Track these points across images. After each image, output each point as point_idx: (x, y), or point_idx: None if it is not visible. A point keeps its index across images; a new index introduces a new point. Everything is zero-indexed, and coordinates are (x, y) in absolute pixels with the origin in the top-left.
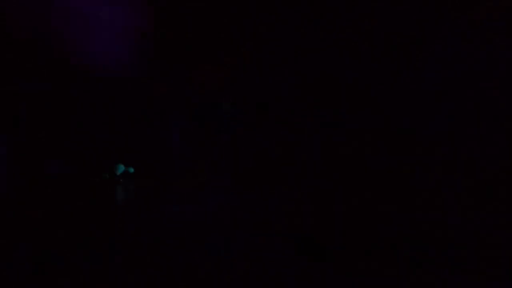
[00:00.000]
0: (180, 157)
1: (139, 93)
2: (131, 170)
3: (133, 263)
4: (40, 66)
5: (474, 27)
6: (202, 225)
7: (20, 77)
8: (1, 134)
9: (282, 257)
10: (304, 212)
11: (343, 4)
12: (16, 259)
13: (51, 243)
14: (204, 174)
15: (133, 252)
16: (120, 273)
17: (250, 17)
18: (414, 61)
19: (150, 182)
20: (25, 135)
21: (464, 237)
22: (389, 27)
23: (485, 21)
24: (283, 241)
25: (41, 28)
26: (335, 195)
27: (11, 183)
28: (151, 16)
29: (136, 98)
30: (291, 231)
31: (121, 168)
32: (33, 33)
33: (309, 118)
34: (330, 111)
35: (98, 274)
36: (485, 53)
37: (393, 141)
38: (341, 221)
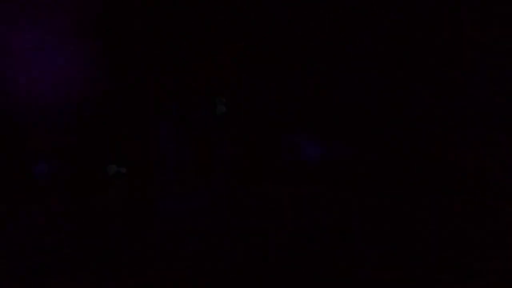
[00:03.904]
0: (174, 157)
1: (132, 91)
2: (123, 170)
3: (127, 263)
4: None
5: None
6: (195, 224)
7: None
8: None
9: (276, 257)
10: (300, 213)
11: (343, 5)
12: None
13: (47, 243)
14: (197, 175)
15: (126, 251)
16: (115, 273)
17: (249, 17)
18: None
19: (143, 182)
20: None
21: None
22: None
23: None
24: (277, 241)
25: None
26: (332, 196)
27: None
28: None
29: (129, 96)
30: (287, 232)
31: (113, 168)
32: None
33: (307, 118)
34: (328, 112)
35: (94, 274)
36: None
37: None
38: (337, 221)
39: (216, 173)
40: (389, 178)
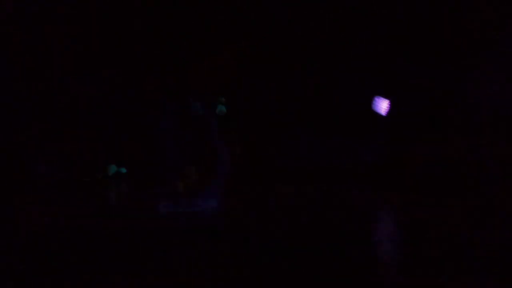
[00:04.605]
0: (174, 158)
1: (132, 92)
2: (124, 170)
3: (128, 263)
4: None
5: None
6: (194, 226)
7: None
8: None
9: (275, 257)
10: (299, 212)
11: (344, 7)
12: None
13: (43, 243)
14: (197, 175)
15: (127, 251)
16: (115, 272)
17: (249, 17)
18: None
19: (143, 183)
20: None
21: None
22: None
23: None
24: (277, 242)
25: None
26: (331, 196)
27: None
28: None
29: (129, 97)
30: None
31: (114, 168)
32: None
33: (306, 119)
34: (326, 113)
35: (93, 274)
36: None
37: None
38: (337, 221)
39: (216, 173)
40: (388, 177)
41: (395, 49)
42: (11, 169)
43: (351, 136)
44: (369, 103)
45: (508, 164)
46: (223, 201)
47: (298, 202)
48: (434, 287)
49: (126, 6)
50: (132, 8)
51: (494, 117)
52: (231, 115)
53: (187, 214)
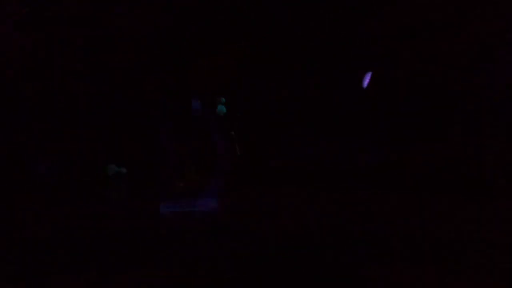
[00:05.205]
0: (174, 158)
1: (132, 92)
2: (124, 170)
3: (126, 264)
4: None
5: None
6: (194, 226)
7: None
8: None
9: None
10: (300, 213)
11: (344, 7)
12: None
13: (43, 244)
14: (197, 175)
15: (127, 251)
16: (115, 273)
17: (249, 17)
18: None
19: (143, 183)
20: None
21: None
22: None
23: None
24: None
25: None
26: (331, 196)
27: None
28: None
29: (129, 97)
30: (286, 234)
31: (114, 168)
32: None
33: (306, 119)
34: (328, 112)
35: (93, 274)
36: None
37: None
38: (337, 221)
39: (216, 173)
40: (388, 177)
41: (395, 49)
42: (11, 169)
43: (351, 136)
44: (369, 103)
45: (508, 164)
46: (223, 201)
47: (298, 202)
48: (434, 287)
49: (126, 6)
50: (132, 8)
51: (494, 117)
52: (231, 115)
53: (187, 214)
